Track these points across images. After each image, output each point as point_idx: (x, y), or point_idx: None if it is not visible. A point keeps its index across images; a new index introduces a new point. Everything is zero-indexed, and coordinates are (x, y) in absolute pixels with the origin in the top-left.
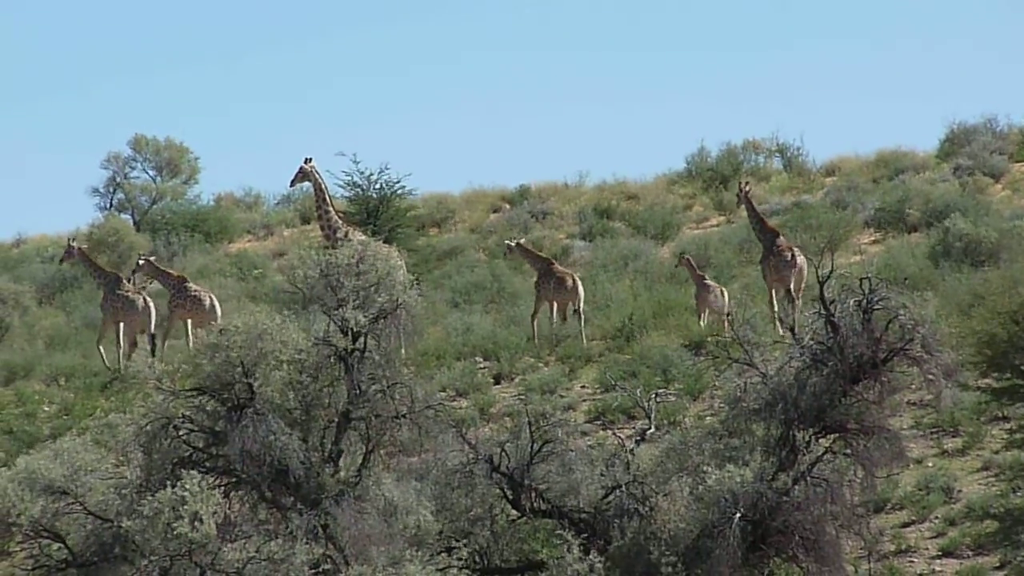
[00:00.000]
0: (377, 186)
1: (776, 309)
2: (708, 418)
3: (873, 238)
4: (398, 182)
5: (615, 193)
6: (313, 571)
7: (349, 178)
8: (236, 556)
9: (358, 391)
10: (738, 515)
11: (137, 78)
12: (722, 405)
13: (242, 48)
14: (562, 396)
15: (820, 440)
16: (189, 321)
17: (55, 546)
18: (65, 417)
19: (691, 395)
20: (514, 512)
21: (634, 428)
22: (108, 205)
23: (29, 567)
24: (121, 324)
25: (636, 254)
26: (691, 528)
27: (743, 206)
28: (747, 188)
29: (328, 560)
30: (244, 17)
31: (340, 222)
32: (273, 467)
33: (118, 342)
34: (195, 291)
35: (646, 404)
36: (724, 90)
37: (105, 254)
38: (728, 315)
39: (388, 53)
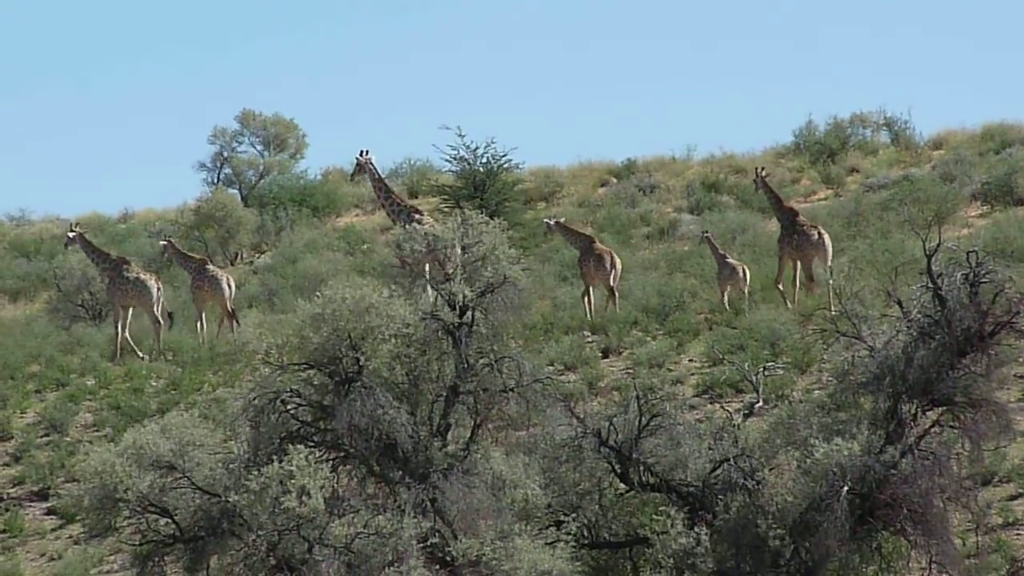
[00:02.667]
0: (484, 160)
1: (781, 286)
2: (816, 392)
3: (980, 211)
4: (504, 156)
5: (722, 167)
6: (421, 545)
7: (455, 152)
8: (344, 531)
9: (466, 365)
10: (846, 488)
11: (244, 52)
12: (830, 378)
13: (349, 22)
14: (670, 370)
15: (927, 413)
16: (208, 303)
17: (163, 521)
18: (173, 392)
19: (799, 368)
20: (622, 486)
21: (742, 401)
22: (215, 180)
23: (136, 542)
24: (126, 307)
25: (743, 228)
26: (799, 502)
27: (760, 190)
28: (763, 173)
29: (436, 534)
30: None
31: (406, 206)
32: (381, 441)
33: (122, 324)
34: (213, 273)
35: (754, 377)
36: (832, 64)
37: (212, 229)
38: (748, 293)
39: (494, 26)
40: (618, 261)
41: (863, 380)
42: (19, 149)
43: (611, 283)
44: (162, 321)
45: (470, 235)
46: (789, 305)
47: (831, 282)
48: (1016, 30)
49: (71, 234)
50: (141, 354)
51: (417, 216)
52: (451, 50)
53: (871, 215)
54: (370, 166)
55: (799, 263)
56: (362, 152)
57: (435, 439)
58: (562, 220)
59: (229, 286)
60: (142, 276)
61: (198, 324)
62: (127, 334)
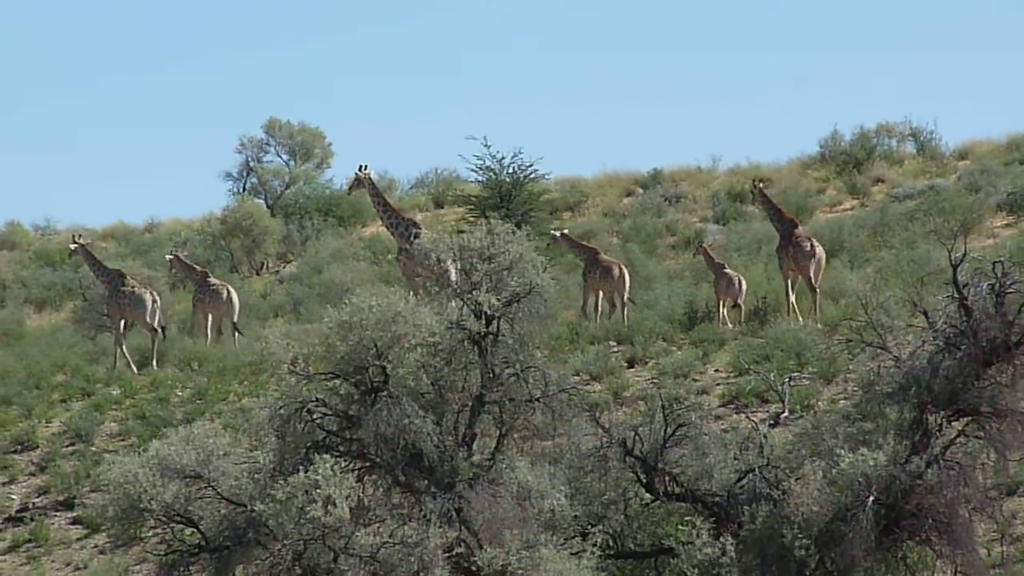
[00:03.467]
0: (510, 170)
1: (792, 299)
2: (841, 402)
3: (1006, 221)
4: (531, 166)
5: (748, 177)
6: (447, 555)
7: (481, 162)
8: (370, 540)
9: (492, 375)
10: (871, 498)
11: (270, 61)
12: (855, 389)
13: (375, 32)
14: (695, 380)
15: (953, 423)
16: (210, 315)
17: (188, 531)
18: (198, 402)
19: (824, 379)
20: (647, 496)
21: (767, 412)
22: (241, 189)
23: (162, 552)
24: (126, 319)
25: (770, 238)
26: (824, 512)
27: (758, 201)
28: (761, 184)
29: (462, 544)
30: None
31: (404, 219)
32: (407, 451)
33: (119, 337)
34: (214, 285)
35: (779, 388)
36: (857, 74)
37: (238, 238)
38: (743, 302)
39: (520, 37)
40: (626, 271)
41: (889, 390)
42: (45, 159)
43: (622, 294)
44: (158, 332)
45: (496, 244)
46: (801, 318)
47: (817, 293)
48: None
49: (73, 245)
50: (112, 367)
51: (415, 229)
52: (478, 61)
53: (896, 225)
54: (368, 181)
55: (798, 275)
56: (361, 167)
57: (461, 449)
58: (566, 231)
59: (230, 298)
60: (137, 290)
61: (205, 336)
62: (124, 347)
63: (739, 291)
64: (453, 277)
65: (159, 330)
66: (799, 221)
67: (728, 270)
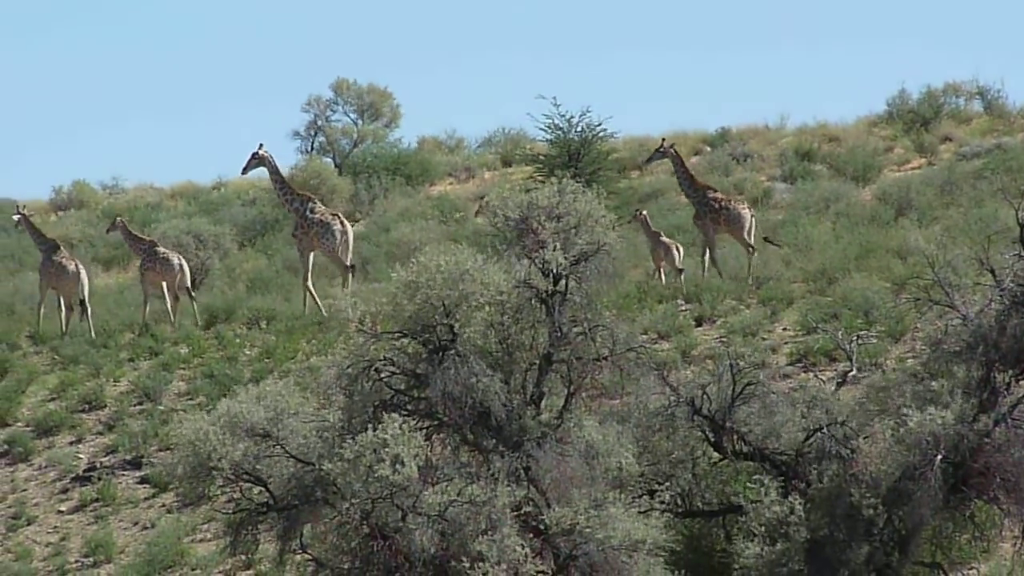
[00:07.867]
0: (578, 129)
1: (707, 262)
2: (909, 360)
3: None
4: (599, 125)
5: (816, 135)
6: (515, 513)
7: (550, 121)
8: (437, 499)
9: (559, 333)
10: (939, 457)
11: (339, 20)
12: (923, 347)
13: None
14: (764, 338)
15: (1021, 382)
16: (164, 284)
17: (256, 489)
18: (266, 360)
19: (892, 337)
20: (715, 454)
21: (836, 370)
22: (309, 148)
23: (230, 511)
24: (55, 289)
25: (837, 196)
26: (892, 470)
27: (673, 165)
28: (669, 146)
29: (530, 503)
30: None
31: (300, 195)
32: (475, 409)
33: (59, 307)
34: (163, 253)
35: (848, 346)
36: (925, 31)
37: None
38: (681, 269)
39: None
40: None
41: (956, 349)
42: (115, 117)
43: None
44: (75, 307)
45: (564, 203)
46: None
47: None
48: None
49: (16, 216)
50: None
51: (311, 204)
52: (545, 19)
53: (964, 184)
54: (267, 159)
55: (732, 236)
56: (260, 146)
57: (529, 407)
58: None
59: (181, 268)
60: (66, 262)
61: (145, 303)
62: (43, 311)
63: (675, 258)
64: (351, 248)
65: (83, 302)
66: (714, 187)
67: (664, 238)
